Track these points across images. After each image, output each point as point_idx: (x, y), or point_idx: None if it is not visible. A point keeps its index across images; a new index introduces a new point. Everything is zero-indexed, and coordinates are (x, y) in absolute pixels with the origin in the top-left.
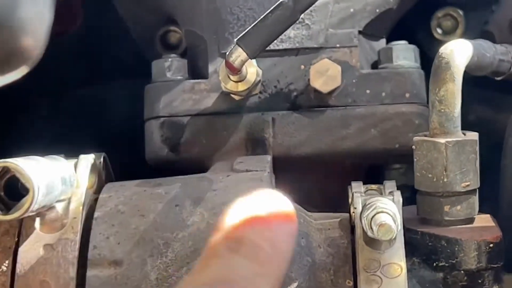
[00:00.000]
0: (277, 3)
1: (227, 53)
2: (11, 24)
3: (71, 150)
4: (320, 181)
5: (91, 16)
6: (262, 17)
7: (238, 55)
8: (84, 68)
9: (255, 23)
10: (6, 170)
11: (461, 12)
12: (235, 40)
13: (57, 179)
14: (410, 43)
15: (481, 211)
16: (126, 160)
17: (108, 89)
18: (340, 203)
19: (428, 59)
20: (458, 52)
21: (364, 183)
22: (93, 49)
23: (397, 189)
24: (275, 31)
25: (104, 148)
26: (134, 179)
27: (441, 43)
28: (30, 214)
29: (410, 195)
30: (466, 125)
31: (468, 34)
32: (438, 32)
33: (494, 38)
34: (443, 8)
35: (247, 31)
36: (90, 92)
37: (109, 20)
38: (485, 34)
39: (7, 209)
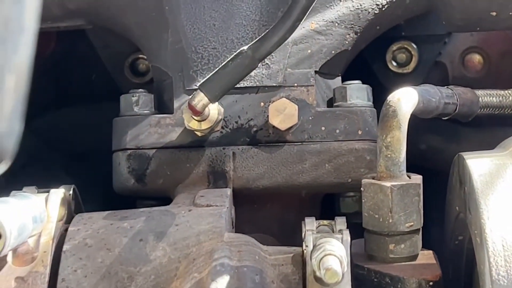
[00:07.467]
0: (237, 51)
1: (190, 97)
2: None
3: (44, 171)
4: (277, 211)
5: (64, 40)
6: (223, 64)
7: (200, 99)
8: (54, 91)
9: (216, 69)
10: None
11: (414, 46)
12: (198, 85)
13: (28, 219)
14: (366, 74)
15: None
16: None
17: (77, 112)
18: (297, 230)
19: (383, 89)
20: (404, 101)
21: (318, 216)
22: (65, 72)
23: (351, 215)
24: (235, 77)
25: (76, 168)
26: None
27: (396, 74)
28: (3, 255)
29: (362, 221)
30: (418, 154)
31: (422, 65)
32: (393, 64)
33: (446, 68)
34: (397, 42)
35: (209, 77)
36: (60, 114)
37: (82, 45)
38: (437, 65)
39: None
